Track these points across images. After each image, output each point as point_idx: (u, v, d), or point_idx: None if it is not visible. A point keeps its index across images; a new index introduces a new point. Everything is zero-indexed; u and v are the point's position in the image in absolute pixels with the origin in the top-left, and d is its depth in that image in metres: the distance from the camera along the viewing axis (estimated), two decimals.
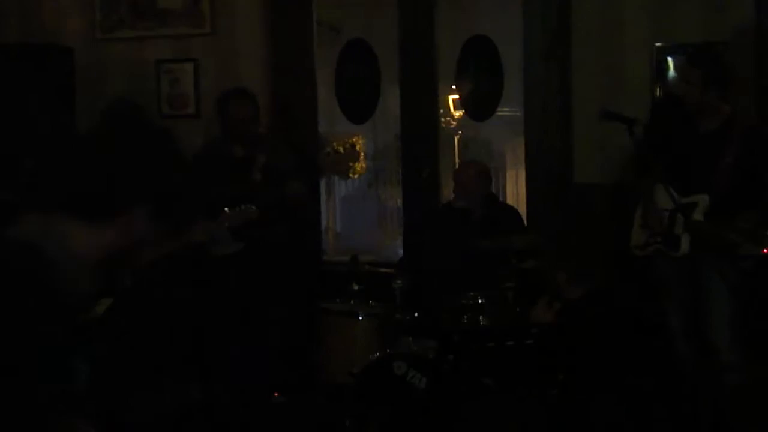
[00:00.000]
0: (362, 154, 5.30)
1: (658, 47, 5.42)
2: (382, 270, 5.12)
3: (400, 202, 6.46)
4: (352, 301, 4.91)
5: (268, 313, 5.12)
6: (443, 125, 6.47)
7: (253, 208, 4.78)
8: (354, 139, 6.00)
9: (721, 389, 4.58)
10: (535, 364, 4.04)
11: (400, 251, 6.31)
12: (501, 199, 6.30)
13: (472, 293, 4.70)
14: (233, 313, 4.99)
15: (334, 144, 5.34)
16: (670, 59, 5.40)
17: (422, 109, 6.09)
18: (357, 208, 7.73)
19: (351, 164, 5.05)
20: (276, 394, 5.01)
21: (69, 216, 1.85)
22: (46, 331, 1.77)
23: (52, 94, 5.72)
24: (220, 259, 4.99)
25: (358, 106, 6.31)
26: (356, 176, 6.98)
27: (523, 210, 5.82)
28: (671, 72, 5.37)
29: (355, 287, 4.96)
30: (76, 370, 4.01)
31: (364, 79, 6.27)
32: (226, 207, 4.81)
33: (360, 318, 4.77)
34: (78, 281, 1.84)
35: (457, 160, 6.70)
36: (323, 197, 6.54)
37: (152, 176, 1.89)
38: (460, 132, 6.93)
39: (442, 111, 6.38)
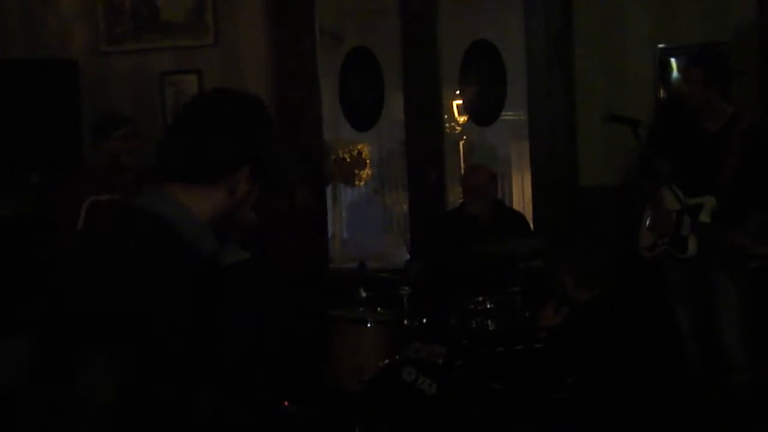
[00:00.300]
0: (368, 161, 5.31)
1: (661, 48, 5.43)
2: (390, 276, 5.13)
3: (406, 207, 6.47)
4: (360, 308, 4.92)
5: (276, 321, 5.13)
6: (448, 130, 6.48)
7: (252, 214, 4.78)
8: (360, 147, 6.02)
9: (731, 390, 4.58)
10: (544, 368, 4.04)
11: (407, 256, 6.31)
12: (507, 203, 6.31)
13: (480, 298, 4.70)
14: (241, 321, 5.00)
15: (340, 152, 5.36)
16: (673, 60, 5.41)
17: (426, 114, 6.09)
18: (363, 215, 7.74)
19: (357, 172, 5.07)
20: (285, 403, 5.01)
21: (181, 181, 2.02)
22: (196, 299, 2.00)
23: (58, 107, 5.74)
24: (227, 268, 5.00)
25: (362, 114, 6.32)
26: (362, 183, 7.00)
27: (529, 214, 5.83)
28: (674, 73, 5.38)
29: (363, 294, 4.96)
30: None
31: (368, 87, 6.29)
32: None
33: (368, 325, 4.77)
34: (199, 242, 2.02)
35: (462, 165, 6.71)
36: (329, 204, 6.55)
37: (251, 139, 2.06)
38: (464, 137, 6.94)
39: (446, 116, 6.39)
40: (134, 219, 2.02)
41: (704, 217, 4.47)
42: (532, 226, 5.59)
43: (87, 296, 1.91)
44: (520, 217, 5.53)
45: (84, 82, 6.03)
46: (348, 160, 5.13)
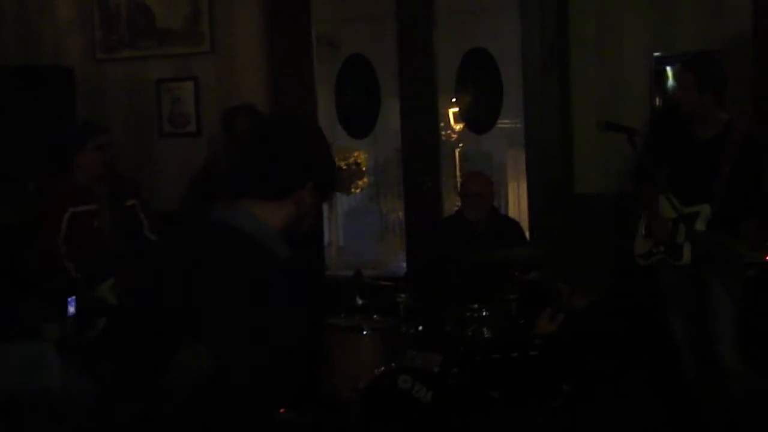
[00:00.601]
0: (364, 168, 5.31)
1: (657, 57, 5.44)
2: (386, 284, 5.13)
3: (402, 215, 6.47)
4: (356, 316, 4.91)
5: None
6: (444, 138, 6.49)
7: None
8: (356, 155, 6.01)
9: (726, 398, 4.58)
10: (540, 375, 4.04)
11: (404, 264, 6.32)
12: (503, 210, 6.32)
13: (475, 305, 4.71)
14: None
15: (336, 160, 5.35)
16: (668, 68, 5.42)
17: (422, 122, 6.11)
18: (359, 222, 7.74)
19: (354, 180, 5.07)
20: (281, 411, 5.00)
21: (254, 198, 2.33)
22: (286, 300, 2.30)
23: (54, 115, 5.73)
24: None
25: (359, 121, 6.33)
26: (358, 191, 7.01)
27: (525, 221, 5.84)
28: (670, 81, 5.39)
29: (359, 302, 4.95)
30: (83, 389, 4.04)
31: (364, 94, 6.30)
32: None
33: (364, 332, 4.76)
34: (274, 249, 2.31)
35: (458, 172, 6.72)
36: (326, 212, 6.55)
37: (312, 159, 2.38)
38: (460, 145, 6.95)
39: (442, 124, 6.40)
40: (215, 231, 2.32)
41: (700, 225, 4.48)
42: (527, 233, 5.59)
43: (178, 297, 2.22)
44: (515, 224, 5.54)
45: (80, 90, 6.04)
46: (344, 168, 5.12)
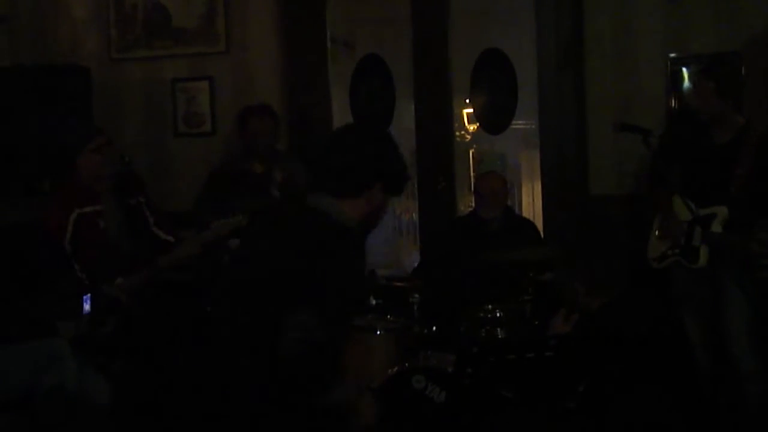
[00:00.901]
0: None
1: (672, 58, 5.43)
2: (400, 284, 5.13)
3: (416, 215, 6.47)
4: (369, 316, 4.91)
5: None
6: (458, 139, 6.48)
7: (241, 217, 4.72)
8: None
9: (740, 399, 4.57)
10: (554, 376, 4.03)
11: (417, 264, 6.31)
12: (517, 211, 6.30)
13: (489, 306, 4.70)
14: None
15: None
16: (684, 70, 5.40)
17: (437, 123, 6.10)
18: None
19: None
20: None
21: (333, 194, 2.73)
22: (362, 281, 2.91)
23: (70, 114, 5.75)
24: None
25: (373, 121, 6.32)
26: None
27: (539, 222, 5.83)
28: (686, 82, 5.38)
29: (373, 302, 4.95)
30: (98, 386, 4.05)
31: (379, 94, 6.29)
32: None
33: (378, 332, 4.76)
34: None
35: (472, 173, 6.70)
36: None
37: (382, 162, 2.76)
38: (474, 145, 6.94)
39: (456, 125, 6.39)
40: (310, 213, 2.73)
41: (716, 227, 4.47)
42: (542, 233, 5.58)
43: (282, 264, 2.61)
44: (530, 224, 5.54)
45: (96, 89, 6.05)
46: None
